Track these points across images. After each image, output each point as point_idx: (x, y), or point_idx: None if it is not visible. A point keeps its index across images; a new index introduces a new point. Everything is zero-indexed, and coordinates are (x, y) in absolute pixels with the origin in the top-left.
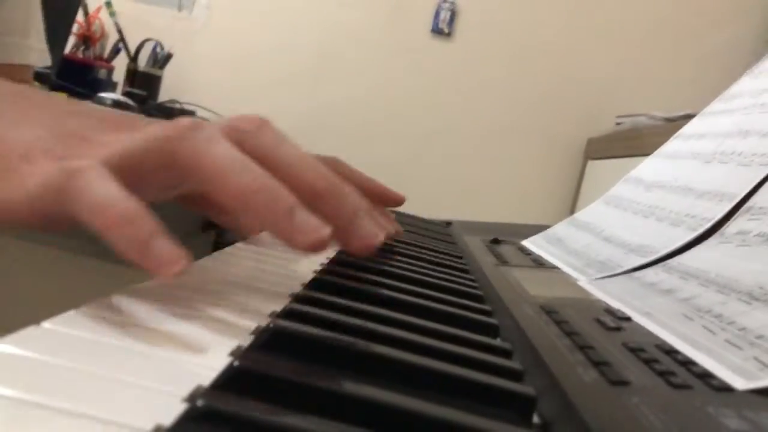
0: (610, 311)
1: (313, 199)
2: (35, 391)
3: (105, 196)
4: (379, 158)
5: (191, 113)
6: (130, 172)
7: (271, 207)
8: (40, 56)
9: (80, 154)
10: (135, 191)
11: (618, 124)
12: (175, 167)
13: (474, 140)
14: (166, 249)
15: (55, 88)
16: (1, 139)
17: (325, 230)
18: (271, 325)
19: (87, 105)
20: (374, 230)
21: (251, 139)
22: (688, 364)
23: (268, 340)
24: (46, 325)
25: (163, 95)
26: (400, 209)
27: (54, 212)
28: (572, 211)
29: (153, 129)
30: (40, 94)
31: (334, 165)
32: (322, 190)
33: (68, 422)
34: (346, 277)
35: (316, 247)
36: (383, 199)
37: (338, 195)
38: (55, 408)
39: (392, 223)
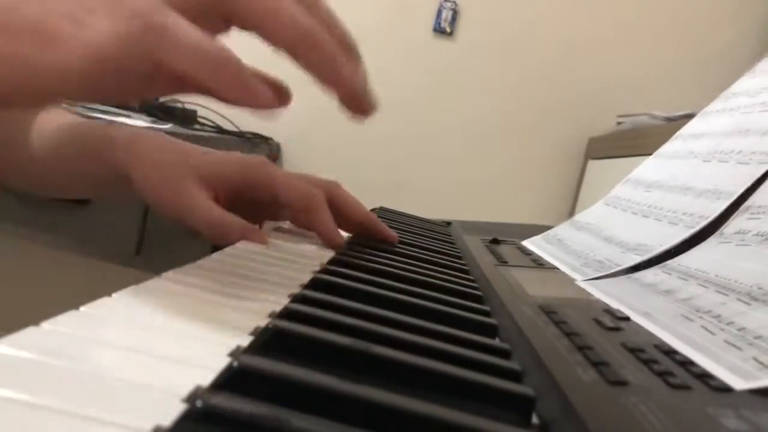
0: (609, 311)
1: (291, 48)
2: (34, 392)
3: (197, 41)
4: (379, 158)
5: (193, 112)
6: (189, 13)
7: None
8: None
9: (135, 6)
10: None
11: (619, 123)
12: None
13: (474, 140)
14: (263, 87)
15: None
16: (29, 13)
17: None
18: (271, 326)
19: None
20: (357, 72)
21: (229, 6)
22: (686, 364)
23: (267, 341)
24: (46, 325)
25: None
26: (401, 209)
27: (135, 63)
28: (572, 211)
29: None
30: None
31: (314, 203)
32: (301, 38)
33: (68, 423)
34: (346, 278)
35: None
36: (374, 235)
37: (316, 39)
38: (54, 409)
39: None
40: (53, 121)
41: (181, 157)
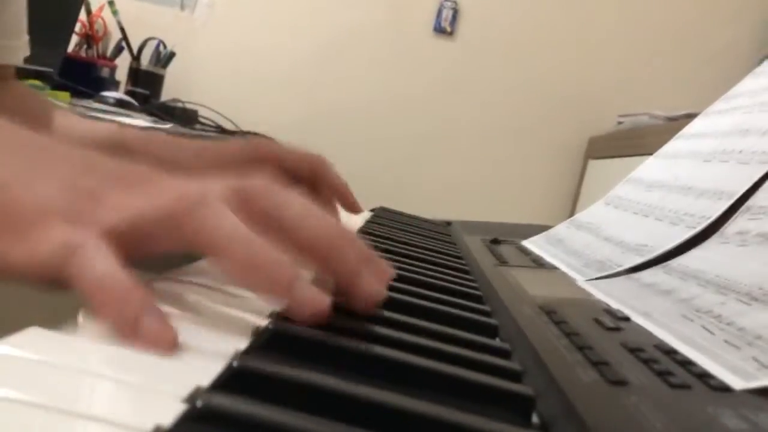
0: (609, 311)
1: (317, 258)
2: (35, 392)
3: (101, 273)
4: (380, 157)
5: (194, 112)
6: (135, 239)
7: (272, 280)
8: (24, 52)
9: (89, 217)
10: (137, 254)
11: (619, 123)
12: (180, 239)
13: (475, 139)
14: (154, 327)
15: (57, 87)
16: (14, 198)
17: (323, 302)
18: (271, 326)
19: (100, 159)
20: (375, 288)
21: (257, 201)
22: (686, 364)
23: (267, 341)
24: (46, 325)
25: (166, 94)
26: (401, 209)
27: (58, 280)
28: (573, 211)
29: (162, 198)
30: (54, 146)
31: (316, 165)
32: (325, 250)
33: (68, 423)
34: None
35: (316, 318)
36: (347, 206)
37: (340, 253)
38: (54, 409)
39: (388, 268)
40: (78, 125)
41: (194, 153)
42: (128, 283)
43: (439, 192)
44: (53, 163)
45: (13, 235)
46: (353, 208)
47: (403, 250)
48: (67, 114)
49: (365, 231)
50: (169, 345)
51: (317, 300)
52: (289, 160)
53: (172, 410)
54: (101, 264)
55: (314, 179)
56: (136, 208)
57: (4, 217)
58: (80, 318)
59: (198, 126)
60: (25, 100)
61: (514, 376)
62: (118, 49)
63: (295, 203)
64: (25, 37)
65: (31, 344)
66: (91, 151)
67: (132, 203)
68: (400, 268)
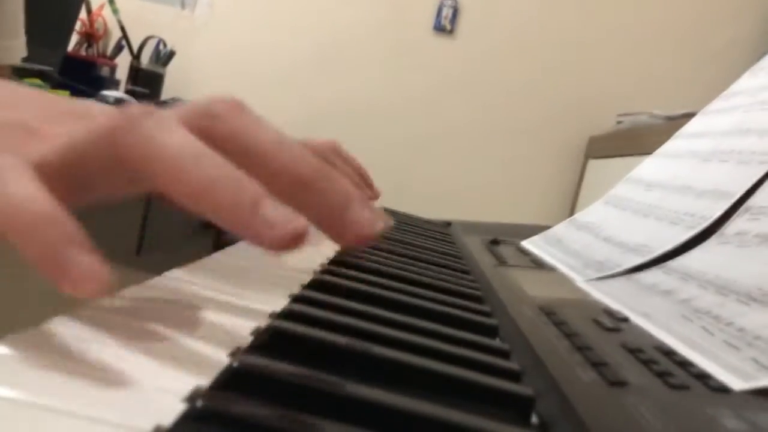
0: (608, 312)
1: (296, 188)
2: (34, 392)
3: (18, 198)
4: (379, 156)
5: None
6: (72, 170)
7: (232, 200)
8: (21, 52)
9: (19, 148)
10: (82, 191)
11: (619, 123)
12: (121, 162)
13: (474, 138)
14: (84, 262)
15: (58, 86)
16: None
17: (298, 221)
18: (271, 326)
19: (39, 92)
20: (371, 217)
21: (220, 124)
22: (686, 364)
23: (267, 341)
24: (46, 325)
25: (166, 93)
26: (400, 209)
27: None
28: (572, 211)
29: (99, 120)
30: None
31: (331, 149)
32: (306, 176)
33: (68, 423)
34: (346, 278)
35: (288, 243)
36: (366, 186)
37: (326, 180)
38: (54, 408)
39: (383, 217)
40: None
41: None
42: (52, 207)
43: (438, 191)
44: None
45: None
46: (372, 189)
47: (403, 251)
48: None
49: None
50: (97, 285)
51: (290, 219)
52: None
53: (172, 410)
54: (21, 186)
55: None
56: (69, 136)
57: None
58: (81, 318)
59: None
60: None
61: (514, 377)
62: (118, 48)
63: (269, 128)
64: (22, 38)
65: (32, 344)
66: (36, 89)
67: (67, 132)
68: (399, 269)
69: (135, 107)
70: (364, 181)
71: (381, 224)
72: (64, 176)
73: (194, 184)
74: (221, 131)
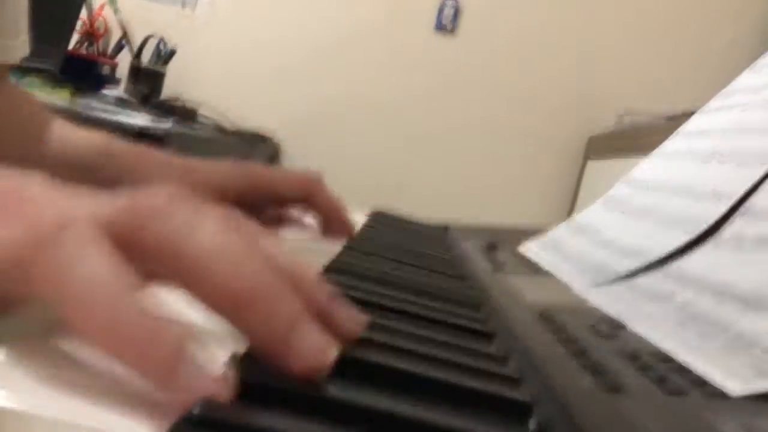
0: (605, 318)
1: (232, 309)
2: (31, 398)
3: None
4: (379, 155)
5: (193, 110)
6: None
7: (147, 359)
8: (22, 52)
9: None
10: None
11: (619, 122)
12: (28, 284)
13: (474, 138)
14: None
15: (58, 84)
16: None
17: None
18: None
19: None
20: (320, 344)
21: (146, 232)
22: (683, 370)
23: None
24: (45, 328)
25: (167, 91)
26: (398, 207)
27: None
28: (572, 211)
29: (13, 233)
30: None
31: (310, 187)
32: (243, 296)
33: (65, 429)
34: (340, 285)
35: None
36: (340, 227)
37: (265, 301)
38: (51, 413)
39: (351, 318)
40: (72, 134)
41: (182, 172)
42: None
43: (438, 190)
44: None
45: None
46: (346, 229)
47: (398, 257)
48: (62, 122)
49: (360, 236)
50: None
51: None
52: (281, 184)
53: (169, 416)
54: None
55: (309, 201)
56: None
57: None
58: None
59: (197, 125)
60: (18, 104)
61: (511, 383)
62: (119, 47)
63: (206, 229)
64: (24, 37)
65: (31, 348)
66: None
67: None
68: (395, 276)
69: (59, 210)
70: (339, 222)
71: (333, 352)
72: None
73: (97, 329)
74: (148, 241)
